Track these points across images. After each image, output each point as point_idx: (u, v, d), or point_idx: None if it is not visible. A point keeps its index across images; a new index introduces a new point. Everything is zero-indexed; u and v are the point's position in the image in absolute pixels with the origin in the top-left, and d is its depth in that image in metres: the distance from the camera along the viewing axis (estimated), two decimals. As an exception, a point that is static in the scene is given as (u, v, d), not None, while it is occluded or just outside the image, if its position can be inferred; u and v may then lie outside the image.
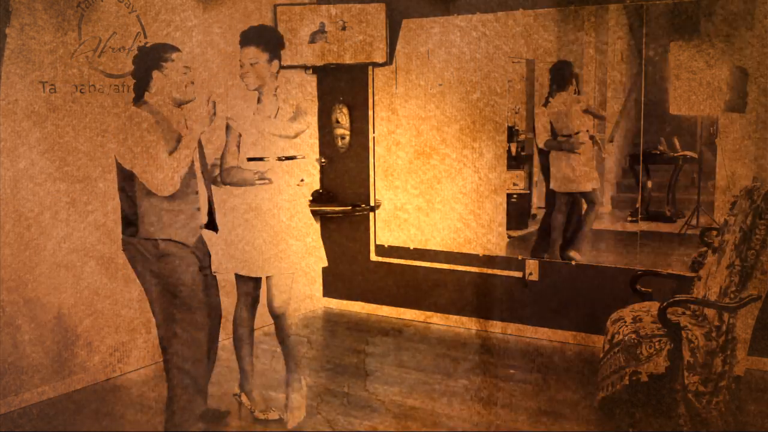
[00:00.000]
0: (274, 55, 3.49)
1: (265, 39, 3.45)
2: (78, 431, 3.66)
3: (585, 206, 5.54)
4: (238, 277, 3.62)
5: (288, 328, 3.59)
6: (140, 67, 3.29)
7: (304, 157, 3.59)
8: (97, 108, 4.07)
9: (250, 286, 3.65)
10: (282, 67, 5.16)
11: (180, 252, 3.28)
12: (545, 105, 5.59)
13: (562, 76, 5.53)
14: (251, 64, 3.42)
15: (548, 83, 5.63)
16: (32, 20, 3.78)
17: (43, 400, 3.94)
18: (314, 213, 5.51)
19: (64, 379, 4.05)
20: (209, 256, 3.54)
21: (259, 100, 3.54)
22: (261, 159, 3.46)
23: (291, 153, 3.49)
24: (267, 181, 3.41)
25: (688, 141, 5.69)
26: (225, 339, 4.89)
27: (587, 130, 5.47)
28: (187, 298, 3.30)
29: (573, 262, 4.89)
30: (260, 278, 3.61)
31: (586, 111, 5.53)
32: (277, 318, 3.56)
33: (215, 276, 3.60)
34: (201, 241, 3.46)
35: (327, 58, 5.16)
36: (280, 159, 3.46)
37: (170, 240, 3.26)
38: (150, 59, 3.27)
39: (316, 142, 5.60)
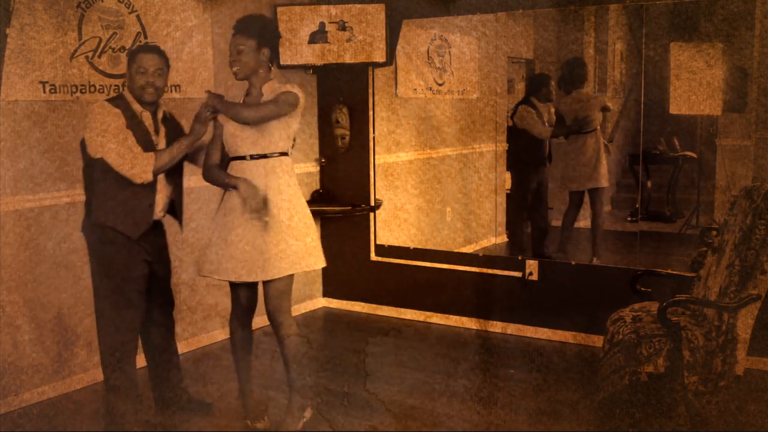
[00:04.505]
0: (263, 43, 3.30)
1: (253, 27, 3.30)
2: (78, 431, 3.66)
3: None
4: (233, 285, 3.46)
5: (288, 336, 3.41)
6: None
7: (285, 154, 3.37)
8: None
9: (245, 295, 3.48)
10: (282, 67, 5.23)
11: (120, 241, 3.30)
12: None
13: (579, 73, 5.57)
14: (237, 52, 3.27)
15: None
16: (32, 20, 3.78)
17: (43, 400, 3.94)
18: (314, 213, 5.53)
19: (64, 379, 4.05)
20: (165, 250, 3.55)
21: (248, 93, 3.41)
22: (243, 158, 3.32)
23: (267, 150, 3.31)
24: (233, 188, 3.27)
25: (688, 141, 5.69)
26: (225, 339, 4.90)
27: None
28: (123, 289, 3.34)
29: (573, 262, 4.88)
30: (256, 284, 3.46)
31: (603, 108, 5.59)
32: (280, 325, 3.41)
33: (168, 270, 3.60)
34: (156, 234, 3.46)
35: (327, 58, 5.16)
36: (252, 157, 3.31)
37: (114, 229, 3.28)
38: (129, 57, 3.36)
39: (316, 142, 5.60)
